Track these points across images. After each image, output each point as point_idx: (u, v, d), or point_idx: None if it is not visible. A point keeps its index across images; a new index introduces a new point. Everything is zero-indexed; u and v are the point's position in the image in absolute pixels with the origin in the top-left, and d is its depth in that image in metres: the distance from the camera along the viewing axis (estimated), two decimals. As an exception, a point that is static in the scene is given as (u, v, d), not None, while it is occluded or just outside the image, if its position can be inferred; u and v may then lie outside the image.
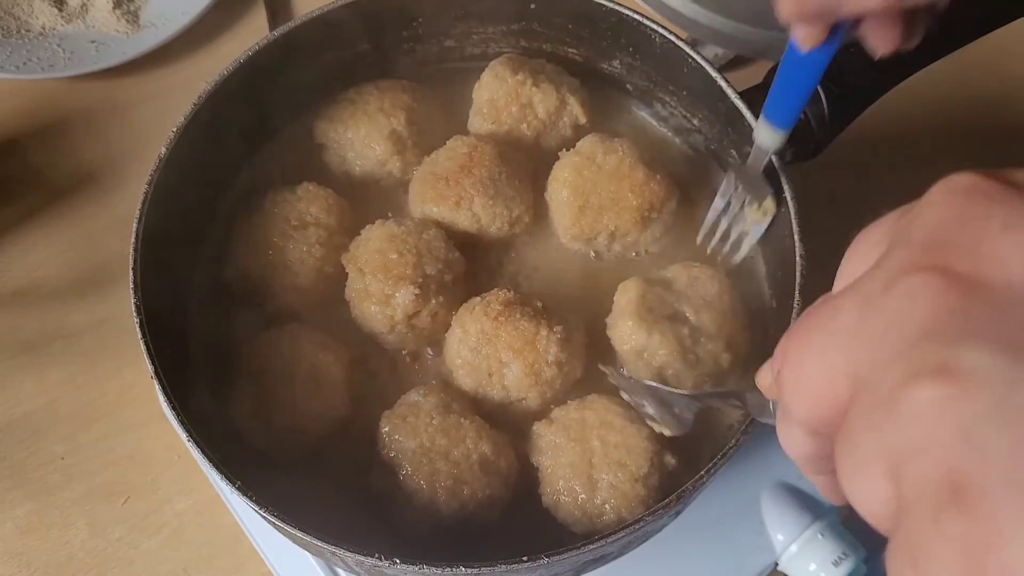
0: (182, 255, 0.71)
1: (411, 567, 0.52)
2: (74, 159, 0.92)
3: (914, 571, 0.22)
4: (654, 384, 0.59)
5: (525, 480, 0.64)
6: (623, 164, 0.71)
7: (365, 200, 0.75)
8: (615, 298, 0.69)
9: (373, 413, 0.64)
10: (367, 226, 0.69)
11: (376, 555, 0.52)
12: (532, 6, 0.78)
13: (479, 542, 0.61)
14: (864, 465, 0.24)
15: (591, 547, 0.53)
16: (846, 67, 0.71)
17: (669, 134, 0.82)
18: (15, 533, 0.74)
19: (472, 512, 0.60)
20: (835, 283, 0.30)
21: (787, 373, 0.29)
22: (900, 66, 0.72)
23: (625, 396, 0.60)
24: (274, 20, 1.02)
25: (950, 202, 0.26)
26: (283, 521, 0.53)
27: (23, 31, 0.99)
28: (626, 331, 0.66)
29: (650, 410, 0.58)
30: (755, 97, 0.72)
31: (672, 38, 0.72)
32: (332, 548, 0.52)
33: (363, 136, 0.74)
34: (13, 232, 0.88)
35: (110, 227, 0.88)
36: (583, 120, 0.76)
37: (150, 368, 0.58)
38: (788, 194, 0.66)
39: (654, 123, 0.82)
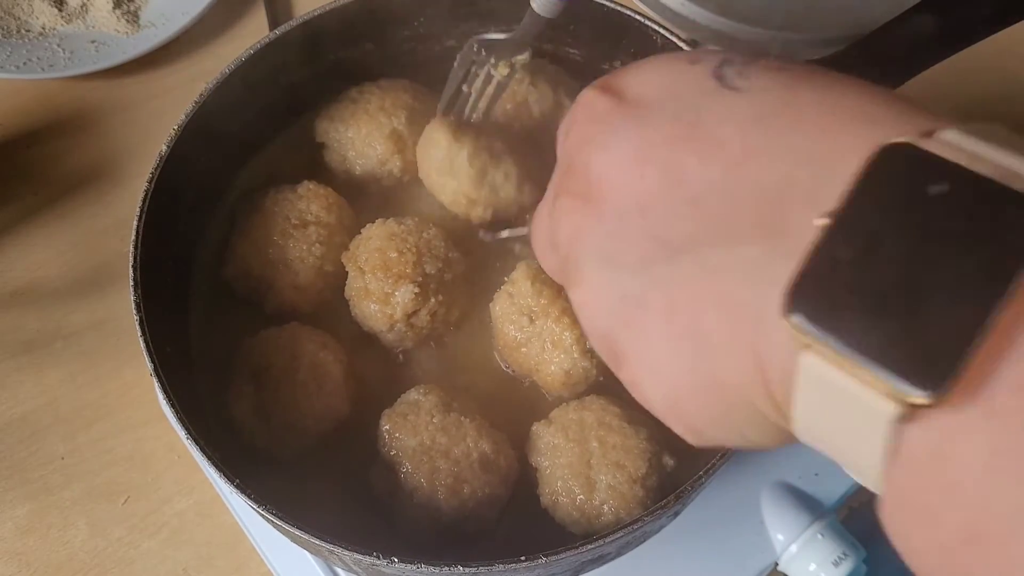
0: (182, 253, 0.71)
1: (409, 566, 0.52)
2: (74, 159, 0.93)
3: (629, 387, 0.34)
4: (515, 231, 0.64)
5: (524, 480, 0.64)
6: None
7: (365, 199, 0.75)
8: None
9: (373, 412, 0.64)
10: (367, 225, 0.70)
11: (374, 554, 0.52)
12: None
13: (477, 542, 0.61)
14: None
15: (589, 547, 0.53)
16: (846, 68, 0.71)
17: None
18: (15, 533, 0.74)
19: (472, 510, 0.60)
20: None
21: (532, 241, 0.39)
22: (901, 67, 0.72)
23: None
24: (274, 20, 1.02)
25: (578, 121, 0.33)
26: (282, 519, 0.53)
27: (23, 31, 0.99)
28: None
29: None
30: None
31: (672, 38, 0.72)
32: (330, 546, 0.52)
33: (364, 135, 0.74)
34: (13, 232, 0.88)
35: (110, 227, 0.88)
36: None
37: (150, 366, 0.58)
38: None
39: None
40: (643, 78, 0.31)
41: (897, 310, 0.23)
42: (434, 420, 0.62)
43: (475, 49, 0.67)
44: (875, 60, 0.71)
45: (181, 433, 0.56)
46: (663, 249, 0.28)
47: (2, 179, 0.91)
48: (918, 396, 0.22)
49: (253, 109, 0.74)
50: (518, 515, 0.64)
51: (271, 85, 0.74)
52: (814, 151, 0.25)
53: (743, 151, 0.26)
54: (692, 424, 0.31)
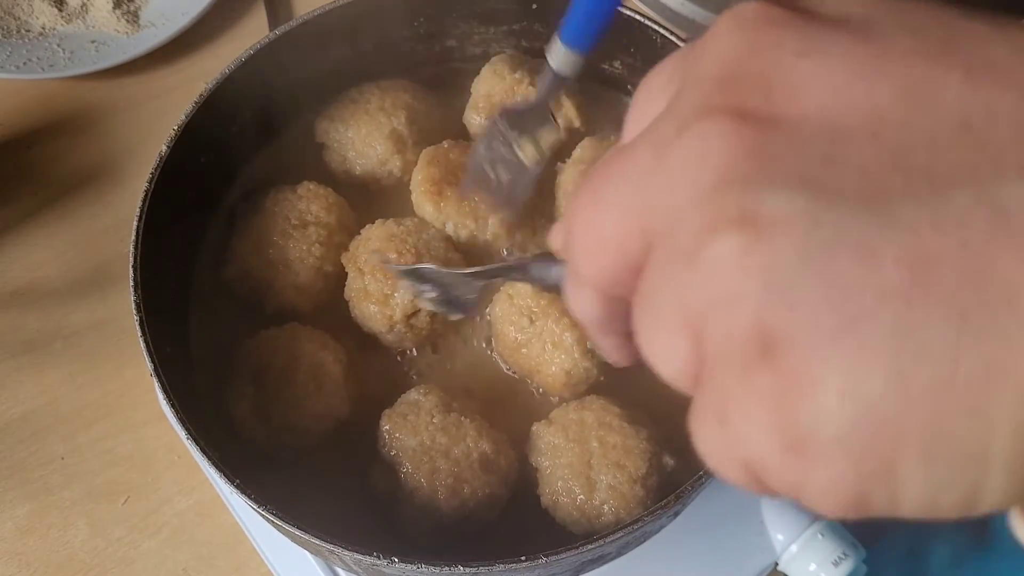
0: (182, 253, 0.71)
1: (409, 566, 0.52)
2: (74, 159, 0.92)
3: (722, 429, 0.22)
4: (432, 267, 0.56)
5: (524, 480, 0.64)
6: None
7: (365, 199, 0.75)
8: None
9: (373, 413, 0.64)
10: (367, 225, 0.70)
11: (374, 554, 0.52)
12: (533, 6, 0.78)
13: (478, 542, 0.61)
14: (663, 323, 0.23)
15: (589, 547, 0.53)
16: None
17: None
18: (15, 533, 0.74)
19: (472, 510, 0.60)
20: (623, 134, 0.28)
21: (576, 230, 0.26)
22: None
23: (406, 283, 0.57)
24: (274, 20, 1.02)
25: (739, 32, 0.24)
26: (282, 519, 0.53)
27: (23, 31, 0.99)
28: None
29: (431, 294, 0.55)
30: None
31: (672, 38, 0.72)
32: (330, 547, 0.52)
33: (364, 135, 0.74)
34: (13, 232, 0.88)
35: (110, 227, 0.88)
36: (577, 124, 0.76)
37: (150, 366, 0.58)
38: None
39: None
40: None
41: None
42: (434, 420, 0.62)
43: (498, 125, 0.65)
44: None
45: (181, 433, 0.56)
46: (915, 183, 0.20)
47: (2, 179, 0.91)
48: None
49: (253, 109, 0.74)
50: (518, 515, 0.64)
51: (271, 85, 0.74)
52: None
53: None
54: (891, 465, 0.20)
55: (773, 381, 0.20)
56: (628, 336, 0.27)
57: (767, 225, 0.20)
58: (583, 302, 0.28)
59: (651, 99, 0.27)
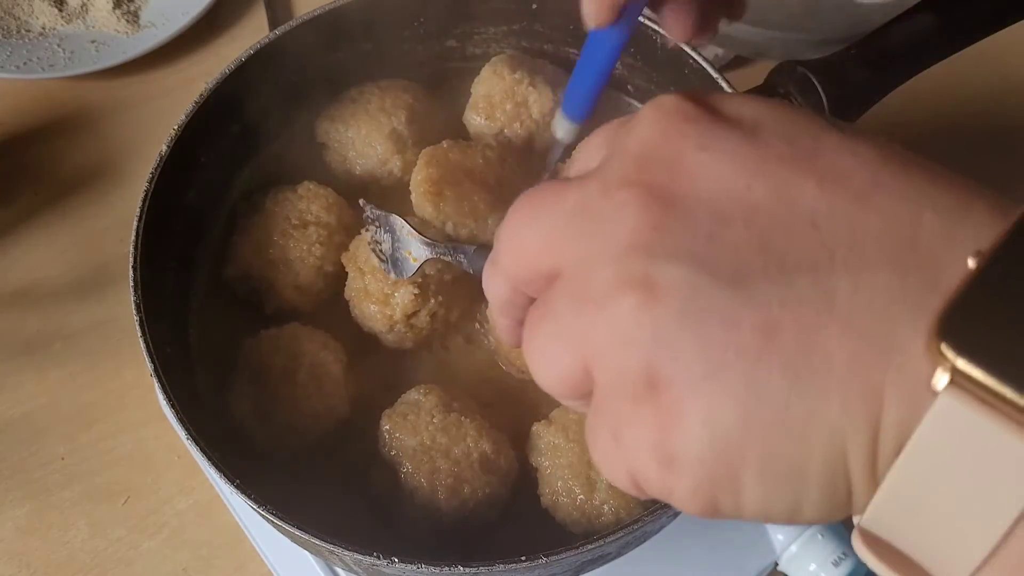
0: (183, 254, 0.71)
1: (409, 566, 0.52)
2: (74, 159, 0.93)
3: (615, 444, 0.28)
4: (403, 219, 0.62)
5: (524, 480, 0.64)
6: None
7: (366, 199, 0.75)
8: None
9: (373, 413, 0.64)
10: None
11: (374, 554, 0.52)
12: (533, 6, 0.78)
13: (478, 542, 0.61)
14: (558, 337, 0.29)
15: (589, 547, 0.53)
16: (846, 68, 0.71)
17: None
18: (15, 533, 0.74)
19: (472, 511, 0.60)
20: (571, 169, 0.34)
21: (507, 230, 0.32)
22: (901, 67, 0.72)
23: (369, 234, 0.64)
24: (274, 20, 1.02)
25: (657, 120, 0.29)
26: (282, 519, 0.53)
27: (23, 31, 0.99)
28: None
29: (386, 245, 0.62)
30: (755, 97, 0.72)
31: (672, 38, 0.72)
32: (330, 547, 0.52)
33: (364, 135, 0.74)
34: (13, 232, 0.88)
35: (111, 227, 0.88)
36: None
37: (150, 366, 0.58)
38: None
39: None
40: (741, 101, 0.29)
41: None
42: (434, 420, 0.62)
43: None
44: (875, 60, 0.71)
45: (181, 433, 0.56)
46: (771, 267, 0.26)
47: (2, 179, 0.91)
48: None
49: (253, 109, 0.74)
50: (518, 515, 0.64)
51: (271, 85, 0.74)
52: (940, 197, 0.26)
53: (871, 185, 0.26)
54: (736, 477, 0.26)
55: (655, 411, 0.26)
56: (520, 323, 0.33)
57: (660, 291, 0.26)
58: (495, 284, 0.34)
59: (591, 152, 0.32)
